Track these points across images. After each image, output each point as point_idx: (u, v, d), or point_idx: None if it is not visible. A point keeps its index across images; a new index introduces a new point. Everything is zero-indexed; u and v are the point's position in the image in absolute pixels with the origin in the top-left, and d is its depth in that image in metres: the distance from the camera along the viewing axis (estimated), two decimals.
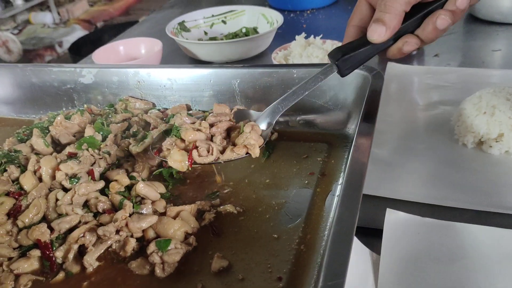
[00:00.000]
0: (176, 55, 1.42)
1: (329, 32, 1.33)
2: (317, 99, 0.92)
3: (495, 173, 0.80)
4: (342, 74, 0.72)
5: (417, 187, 0.78)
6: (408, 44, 0.68)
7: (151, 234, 0.72)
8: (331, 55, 0.72)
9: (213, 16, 1.52)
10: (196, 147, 0.76)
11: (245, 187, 0.82)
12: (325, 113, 0.92)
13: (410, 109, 1.03)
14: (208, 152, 0.76)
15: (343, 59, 0.70)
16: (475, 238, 0.62)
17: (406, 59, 1.26)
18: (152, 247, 0.68)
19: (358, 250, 0.61)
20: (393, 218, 0.66)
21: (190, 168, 0.76)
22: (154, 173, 0.87)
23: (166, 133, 0.84)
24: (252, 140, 0.75)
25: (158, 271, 0.66)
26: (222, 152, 0.77)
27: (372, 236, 0.69)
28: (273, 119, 0.78)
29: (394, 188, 0.78)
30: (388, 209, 0.68)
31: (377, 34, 0.66)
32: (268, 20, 1.46)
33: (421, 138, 0.91)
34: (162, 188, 0.81)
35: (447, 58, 1.25)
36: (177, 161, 0.76)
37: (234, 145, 0.77)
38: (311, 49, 1.12)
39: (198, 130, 0.78)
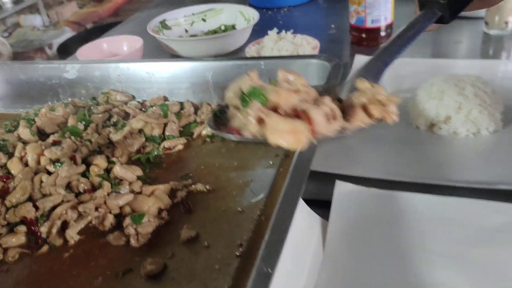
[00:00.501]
0: (157, 52, 1.49)
1: (305, 29, 1.41)
2: None
3: (442, 152, 0.87)
4: (447, 20, 0.59)
5: (372, 165, 0.85)
6: None
7: (127, 210, 0.79)
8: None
9: (193, 14, 1.60)
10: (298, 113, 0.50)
11: (216, 169, 0.89)
12: None
13: None
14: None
15: (450, 1, 0.56)
16: (413, 204, 0.70)
17: (372, 50, 1.33)
18: (127, 220, 0.76)
19: (309, 217, 0.68)
20: (342, 189, 0.74)
21: (315, 142, 0.49)
22: (132, 158, 0.94)
23: (221, 114, 0.58)
24: (382, 96, 0.52)
25: (132, 242, 0.74)
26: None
27: (326, 207, 0.76)
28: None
29: (351, 166, 0.85)
30: (337, 181, 0.76)
31: None
32: (245, 17, 1.53)
33: (380, 123, 0.98)
34: (139, 171, 0.88)
35: (412, 50, 1.31)
36: (287, 132, 0.48)
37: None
38: (282, 43, 1.19)
39: (295, 91, 0.53)
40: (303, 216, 0.65)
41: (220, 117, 0.56)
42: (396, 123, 0.97)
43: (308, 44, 1.19)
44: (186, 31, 1.59)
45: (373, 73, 0.56)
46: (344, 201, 0.72)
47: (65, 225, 0.78)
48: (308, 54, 1.09)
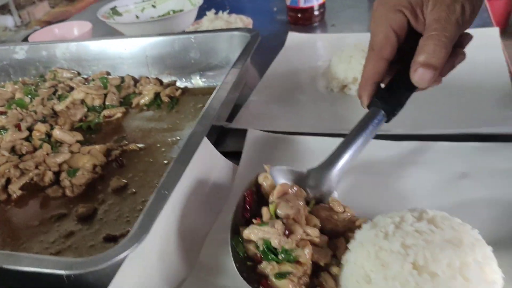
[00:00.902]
0: None
1: (250, 12, 1.50)
2: (213, 60, 1.09)
3: (350, 108, 0.98)
4: (388, 121, 0.68)
5: (290, 122, 0.95)
6: (437, 80, 0.64)
7: (65, 167, 0.89)
8: (381, 103, 0.67)
9: (143, 1, 1.68)
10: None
11: (149, 132, 0.99)
12: (220, 70, 1.09)
13: (304, 68, 1.19)
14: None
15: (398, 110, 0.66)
16: (309, 146, 0.82)
17: (307, 28, 1.44)
18: (63, 174, 0.85)
19: (223, 163, 0.78)
20: (252, 136, 0.85)
21: None
22: (75, 126, 1.03)
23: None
24: (357, 221, 0.63)
25: (68, 192, 0.83)
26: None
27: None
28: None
29: (272, 123, 0.94)
30: (249, 129, 0.86)
31: (428, 80, 0.60)
32: (192, 3, 1.62)
33: (301, 88, 1.09)
34: (79, 136, 0.97)
35: (342, 27, 1.44)
36: None
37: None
38: (218, 22, 1.29)
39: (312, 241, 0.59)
40: (211, 159, 0.75)
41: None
42: (316, 87, 1.09)
43: (241, 21, 1.29)
44: (137, 17, 1.67)
45: (333, 177, 0.69)
46: (253, 147, 0.82)
47: (9, 183, 0.87)
48: (233, 28, 1.19)
